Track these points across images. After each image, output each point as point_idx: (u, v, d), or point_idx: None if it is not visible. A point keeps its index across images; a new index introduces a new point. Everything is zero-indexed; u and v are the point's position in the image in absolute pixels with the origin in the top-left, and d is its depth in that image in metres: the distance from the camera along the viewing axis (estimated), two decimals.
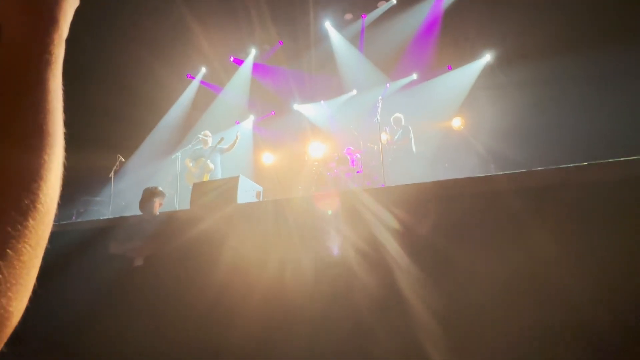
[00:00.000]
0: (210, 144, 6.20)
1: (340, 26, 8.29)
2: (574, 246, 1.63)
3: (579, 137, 5.42)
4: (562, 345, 1.47)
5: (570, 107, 5.80)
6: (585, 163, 1.85)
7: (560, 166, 1.90)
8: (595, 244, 1.56)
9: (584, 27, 5.78)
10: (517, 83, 6.46)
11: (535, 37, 6.09)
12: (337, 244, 2.22)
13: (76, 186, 6.88)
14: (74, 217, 6.72)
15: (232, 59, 8.99)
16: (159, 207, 3.56)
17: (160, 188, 3.68)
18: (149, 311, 2.36)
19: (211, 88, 9.39)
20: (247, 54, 8.94)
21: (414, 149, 6.11)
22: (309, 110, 9.12)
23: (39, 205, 0.37)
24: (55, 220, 0.40)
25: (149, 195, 3.52)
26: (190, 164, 6.17)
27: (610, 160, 1.81)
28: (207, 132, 6.38)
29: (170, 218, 3.40)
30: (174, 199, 6.28)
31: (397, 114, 6.34)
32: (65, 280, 3.26)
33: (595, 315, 1.46)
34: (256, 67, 9.05)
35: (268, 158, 8.46)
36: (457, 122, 7.23)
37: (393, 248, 2.03)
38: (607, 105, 5.51)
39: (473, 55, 7.38)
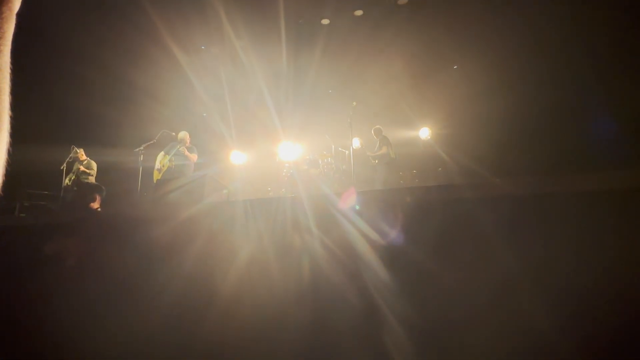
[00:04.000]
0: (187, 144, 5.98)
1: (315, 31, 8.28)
2: (535, 257, 1.71)
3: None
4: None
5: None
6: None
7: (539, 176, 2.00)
8: (556, 255, 1.65)
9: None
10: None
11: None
12: (309, 247, 2.17)
13: (22, 178, 6.30)
14: (16, 212, 6.12)
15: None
16: (98, 203, 3.32)
17: (98, 184, 3.46)
18: (103, 315, 2.16)
19: None
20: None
21: (392, 155, 6.35)
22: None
23: None
24: None
25: (88, 190, 3.28)
26: (165, 161, 5.87)
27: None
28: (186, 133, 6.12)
29: (121, 217, 3.16)
30: (136, 195, 5.93)
31: (377, 126, 6.67)
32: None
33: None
34: None
35: (237, 157, 8.22)
36: (425, 133, 7.47)
37: (366, 252, 2.02)
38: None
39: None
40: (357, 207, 2.37)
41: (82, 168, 6.03)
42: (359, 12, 7.68)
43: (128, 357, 2.08)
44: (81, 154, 6.22)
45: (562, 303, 1.59)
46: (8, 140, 0.37)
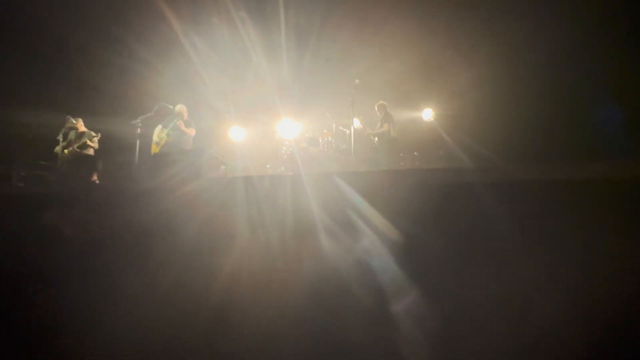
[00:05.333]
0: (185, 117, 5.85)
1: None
2: (556, 244, 1.69)
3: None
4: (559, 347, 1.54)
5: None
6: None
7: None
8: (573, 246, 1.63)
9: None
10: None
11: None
12: (309, 225, 2.16)
13: (19, 147, 6.22)
14: (13, 181, 6.07)
15: None
16: (96, 175, 3.27)
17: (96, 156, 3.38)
18: (99, 288, 2.17)
19: None
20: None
21: (393, 134, 6.24)
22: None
23: None
24: None
25: (87, 162, 3.22)
26: (162, 135, 5.76)
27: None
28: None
29: (121, 189, 3.12)
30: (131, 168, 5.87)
31: (381, 102, 6.46)
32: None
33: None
34: None
35: (236, 133, 8.07)
36: (428, 114, 7.33)
37: (366, 232, 2.01)
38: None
39: None
40: None
41: (88, 142, 5.84)
42: None
43: (129, 328, 2.11)
44: (80, 124, 6.05)
45: (580, 293, 1.59)
46: None
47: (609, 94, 5.73)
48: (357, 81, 5.82)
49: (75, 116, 6.09)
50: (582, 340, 1.59)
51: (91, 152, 5.95)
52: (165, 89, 8.35)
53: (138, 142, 5.75)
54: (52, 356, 2.21)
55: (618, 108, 5.63)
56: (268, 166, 7.08)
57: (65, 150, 5.81)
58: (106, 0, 7.02)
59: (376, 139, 6.37)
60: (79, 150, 5.70)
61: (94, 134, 6.05)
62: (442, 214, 2.10)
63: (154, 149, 5.81)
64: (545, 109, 5.93)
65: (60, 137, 5.90)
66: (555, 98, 5.91)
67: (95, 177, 3.09)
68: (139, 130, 5.72)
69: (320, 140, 6.46)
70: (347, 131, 6.50)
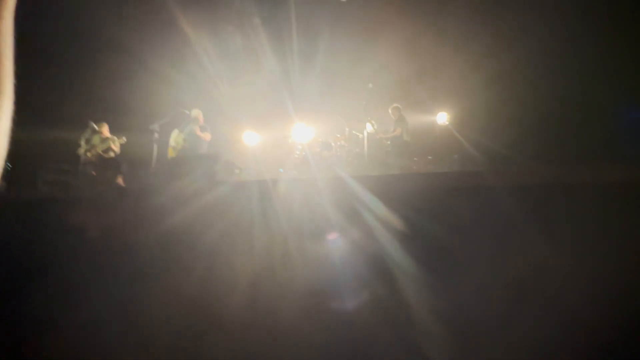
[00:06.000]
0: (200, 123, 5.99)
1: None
2: (568, 245, 1.66)
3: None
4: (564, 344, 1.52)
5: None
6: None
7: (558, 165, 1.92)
8: (590, 244, 1.60)
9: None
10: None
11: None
12: (324, 227, 2.18)
13: (43, 152, 6.47)
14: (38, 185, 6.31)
15: None
16: (122, 179, 3.36)
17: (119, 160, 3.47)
18: (122, 290, 2.24)
19: None
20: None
21: (406, 138, 6.21)
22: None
23: None
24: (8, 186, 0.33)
25: (110, 165, 3.31)
26: (179, 139, 5.92)
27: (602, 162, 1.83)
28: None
29: (144, 192, 3.22)
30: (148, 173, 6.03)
31: (395, 104, 6.44)
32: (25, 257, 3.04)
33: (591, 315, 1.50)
34: None
35: (250, 138, 8.17)
36: (442, 118, 7.26)
37: (382, 234, 2.01)
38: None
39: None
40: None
41: (112, 146, 6.01)
42: None
43: (149, 331, 2.16)
44: (105, 129, 6.22)
45: (599, 292, 1.55)
46: (12, 108, 0.37)
47: (630, 95, 5.55)
48: (370, 86, 5.83)
49: (97, 122, 6.31)
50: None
51: (112, 155, 6.14)
52: (181, 96, 8.57)
53: (156, 146, 5.93)
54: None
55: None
56: (281, 170, 7.13)
57: (89, 153, 6.01)
58: (121, 10, 7.27)
59: (389, 142, 6.34)
60: (102, 153, 5.88)
61: (117, 138, 6.24)
62: (457, 217, 2.09)
63: (171, 153, 5.96)
64: (562, 110, 5.80)
65: (83, 142, 6.11)
66: (572, 98, 5.77)
67: (120, 180, 3.19)
68: (156, 135, 5.88)
69: (333, 144, 6.48)
70: (360, 135, 6.50)
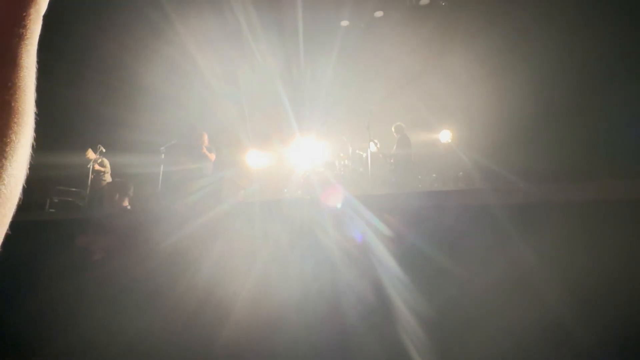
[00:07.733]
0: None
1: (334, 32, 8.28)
2: (554, 257, 1.64)
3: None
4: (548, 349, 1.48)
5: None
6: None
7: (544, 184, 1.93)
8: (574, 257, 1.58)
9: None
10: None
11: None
12: (327, 248, 2.17)
13: (52, 175, 6.60)
14: (46, 207, 6.41)
15: None
16: (127, 200, 3.39)
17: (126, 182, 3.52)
18: (130, 311, 2.23)
19: None
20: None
21: (410, 157, 6.25)
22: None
23: (1, 187, 0.34)
24: (22, 208, 0.37)
25: (118, 187, 3.35)
26: (184, 160, 6.04)
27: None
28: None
29: (147, 213, 3.25)
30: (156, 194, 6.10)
31: (398, 123, 6.51)
32: (34, 274, 3.06)
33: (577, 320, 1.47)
34: None
35: (254, 159, 8.28)
36: (445, 136, 7.32)
37: (382, 254, 2.00)
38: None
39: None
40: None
41: (97, 167, 6.24)
42: (379, 13, 7.65)
43: (154, 347, 2.14)
44: (90, 153, 6.41)
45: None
46: (33, 136, 0.41)
47: (635, 113, 5.57)
48: (372, 109, 5.95)
49: (104, 145, 6.47)
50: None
51: (107, 177, 6.29)
52: (186, 118, 8.79)
53: (162, 167, 6.03)
54: None
55: None
56: (285, 190, 7.17)
57: (92, 176, 6.14)
58: (127, 35, 7.58)
59: (392, 160, 6.37)
60: (98, 176, 6.04)
61: (105, 160, 6.43)
62: (461, 235, 2.07)
63: (176, 174, 6.05)
64: (566, 128, 5.82)
65: (90, 166, 6.25)
66: (576, 117, 5.79)
67: (126, 203, 3.23)
68: (162, 156, 6.00)
69: (336, 164, 6.53)
70: (364, 154, 6.55)
